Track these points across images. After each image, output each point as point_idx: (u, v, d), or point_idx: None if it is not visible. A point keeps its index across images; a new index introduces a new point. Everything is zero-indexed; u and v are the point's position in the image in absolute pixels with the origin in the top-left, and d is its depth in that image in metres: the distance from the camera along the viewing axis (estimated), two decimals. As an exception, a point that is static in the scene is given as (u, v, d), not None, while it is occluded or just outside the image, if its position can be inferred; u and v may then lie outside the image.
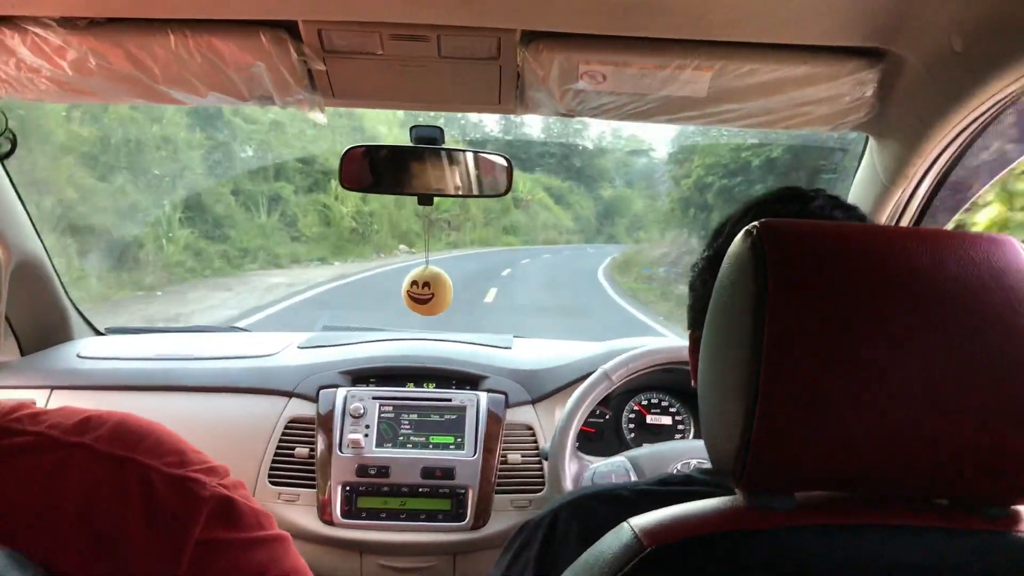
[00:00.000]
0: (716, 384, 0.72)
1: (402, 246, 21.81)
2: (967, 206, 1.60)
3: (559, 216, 40.35)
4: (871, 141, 1.59)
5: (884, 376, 0.64)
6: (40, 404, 1.93)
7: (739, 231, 0.69)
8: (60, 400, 1.94)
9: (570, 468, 1.64)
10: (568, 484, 1.60)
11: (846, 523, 0.69)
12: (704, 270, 0.99)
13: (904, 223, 1.60)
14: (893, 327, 0.64)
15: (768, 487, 0.69)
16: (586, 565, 0.73)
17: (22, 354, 2.12)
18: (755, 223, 0.68)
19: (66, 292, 2.20)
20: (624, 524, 0.72)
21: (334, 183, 16.78)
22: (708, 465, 1.60)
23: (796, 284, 0.64)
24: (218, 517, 0.79)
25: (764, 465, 0.66)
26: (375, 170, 1.69)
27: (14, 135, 0.87)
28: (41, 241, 2.04)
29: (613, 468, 1.63)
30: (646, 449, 1.69)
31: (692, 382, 0.91)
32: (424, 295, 1.81)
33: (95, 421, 0.80)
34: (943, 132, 1.37)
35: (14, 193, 1.92)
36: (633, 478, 1.58)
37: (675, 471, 1.57)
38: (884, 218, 1.58)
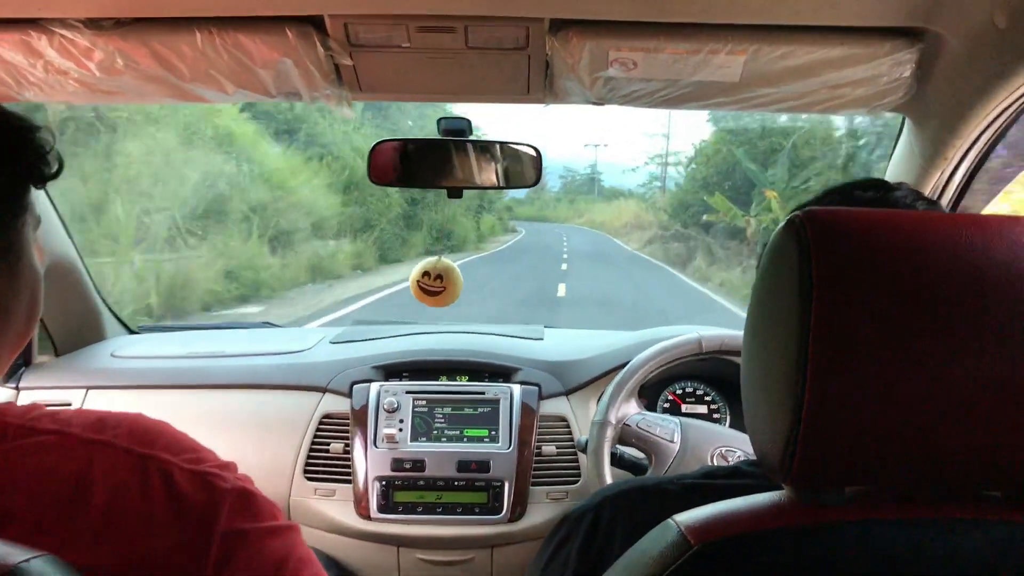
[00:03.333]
0: (760, 378, 0.70)
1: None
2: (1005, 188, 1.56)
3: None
4: (908, 122, 1.55)
5: (935, 367, 0.62)
6: (76, 404, 1.94)
7: None
8: (96, 400, 1.95)
9: (609, 459, 1.62)
10: (608, 477, 1.59)
11: (900, 517, 0.67)
12: None
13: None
14: (944, 317, 0.62)
15: (817, 483, 0.67)
16: (630, 563, 0.72)
17: (57, 354, 2.13)
18: (797, 212, 0.66)
19: (98, 291, 2.21)
20: (669, 521, 0.71)
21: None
22: (752, 456, 1.57)
23: (842, 274, 0.63)
24: (239, 509, 0.80)
25: (813, 461, 0.64)
26: (403, 164, 1.68)
27: (60, 156, 0.88)
28: (72, 242, 2.05)
29: (661, 421, 1.64)
30: (696, 421, 1.69)
31: None
32: (436, 287, 1.82)
33: (111, 420, 0.81)
34: (983, 112, 1.33)
35: (45, 196, 1.92)
36: (677, 440, 1.60)
37: (714, 457, 1.56)
38: None
